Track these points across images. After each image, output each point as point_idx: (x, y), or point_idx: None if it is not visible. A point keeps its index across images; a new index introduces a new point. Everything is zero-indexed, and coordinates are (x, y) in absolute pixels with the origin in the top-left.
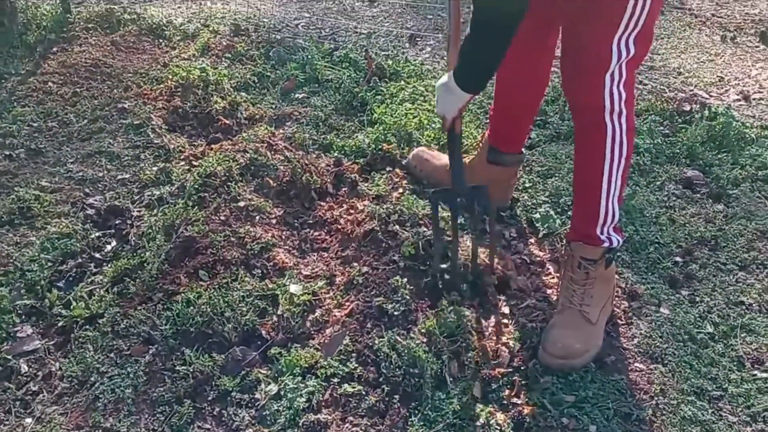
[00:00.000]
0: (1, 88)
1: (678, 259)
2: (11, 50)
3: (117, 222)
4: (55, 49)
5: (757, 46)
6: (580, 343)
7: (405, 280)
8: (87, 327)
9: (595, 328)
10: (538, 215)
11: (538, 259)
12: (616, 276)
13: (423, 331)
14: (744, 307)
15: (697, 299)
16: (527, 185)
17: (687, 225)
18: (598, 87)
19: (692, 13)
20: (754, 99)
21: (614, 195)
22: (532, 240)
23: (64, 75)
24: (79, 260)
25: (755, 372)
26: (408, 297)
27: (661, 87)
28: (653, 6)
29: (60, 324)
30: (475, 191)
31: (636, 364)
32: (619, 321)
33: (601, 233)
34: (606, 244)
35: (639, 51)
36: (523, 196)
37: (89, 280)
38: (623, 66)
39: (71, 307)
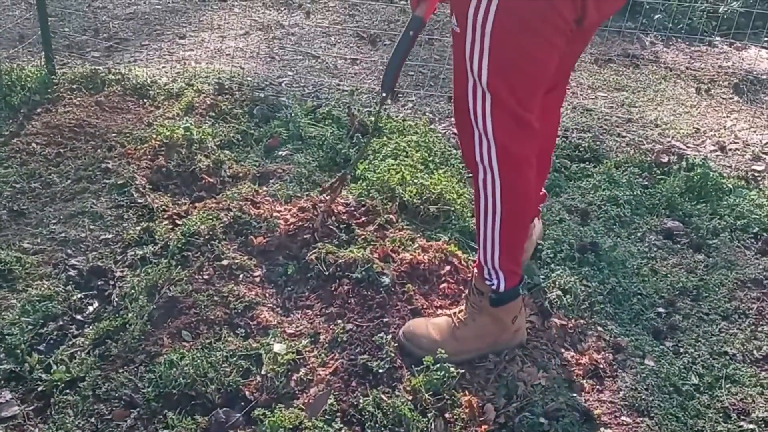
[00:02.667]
0: None
1: (661, 309)
2: None
3: (99, 283)
4: (39, 110)
5: (731, 98)
6: (430, 340)
7: (389, 336)
8: (67, 391)
9: (453, 341)
10: None
11: None
12: (600, 328)
13: (408, 388)
14: (728, 357)
15: (681, 350)
16: None
17: (669, 275)
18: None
19: (667, 66)
20: (729, 149)
21: (488, 238)
22: None
23: (48, 135)
24: (60, 322)
25: (741, 423)
26: (393, 354)
27: (639, 139)
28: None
29: (40, 388)
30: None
31: (622, 418)
32: (604, 374)
33: (485, 267)
34: (488, 282)
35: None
36: None
37: (70, 342)
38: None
39: (51, 371)
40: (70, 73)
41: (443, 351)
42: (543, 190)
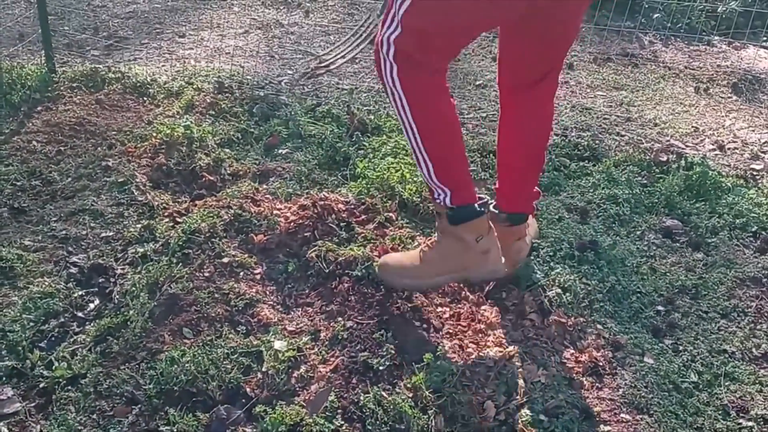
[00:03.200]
0: None
1: (660, 308)
2: None
3: (100, 280)
4: (39, 108)
5: (729, 97)
6: (400, 266)
7: (390, 334)
8: (69, 388)
9: (421, 265)
10: (520, 267)
11: (521, 310)
12: (599, 326)
13: (409, 386)
14: (727, 356)
15: (681, 348)
16: None
17: (668, 274)
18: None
19: (666, 65)
20: (728, 148)
21: (416, 153)
22: (515, 291)
23: (49, 134)
24: (62, 320)
25: (740, 420)
26: (393, 351)
27: (638, 138)
28: None
29: (42, 385)
30: None
31: (622, 415)
32: (603, 371)
33: (429, 185)
34: (436, 198)
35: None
36: None
37: (72, 339)
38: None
39: (53, 367)
40: (70, 72)
41: (412, 275)
42: (537, 187)
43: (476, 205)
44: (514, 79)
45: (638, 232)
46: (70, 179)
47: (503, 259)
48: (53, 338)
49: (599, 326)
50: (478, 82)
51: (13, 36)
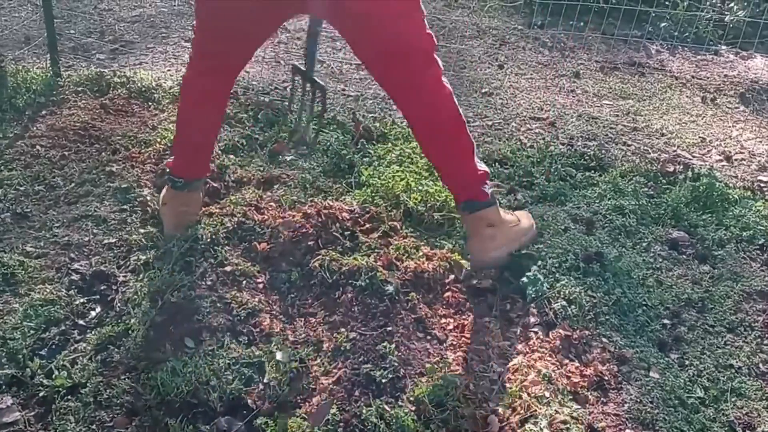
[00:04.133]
0: None
1: (666, 321)
2: (0, 114)
3: (102, 287)
4: (44, 112)
5: (736, 107)
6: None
7: (393, 345)
8: (69, 397)
9: None
10: (525, 279)
11: (525, 322)
12: (605, 339)
13: (412, 399)
14: (733, 371)
15: (687, 362)
16: None
17: (674, 287)
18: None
19: (673, 75)
20: (735, 159)
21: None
22: (519, 303)
23: (53, 138)
24: (63, 327)
25: None
26: (396, 363)
27: (645, 148)
28: None
29: (41, 394)
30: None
31: (627, 431)
32: (609, 386)
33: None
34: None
35: None
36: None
37: (72, 348)
38: None
39: (53, 376)
40: (76, 76)
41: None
42: (484, 168)
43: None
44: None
45: (644, 244)
46: (73, 184)
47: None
48: (54, 346)
49: (605, 339)
50: (484, 90)
51: (19, 39)
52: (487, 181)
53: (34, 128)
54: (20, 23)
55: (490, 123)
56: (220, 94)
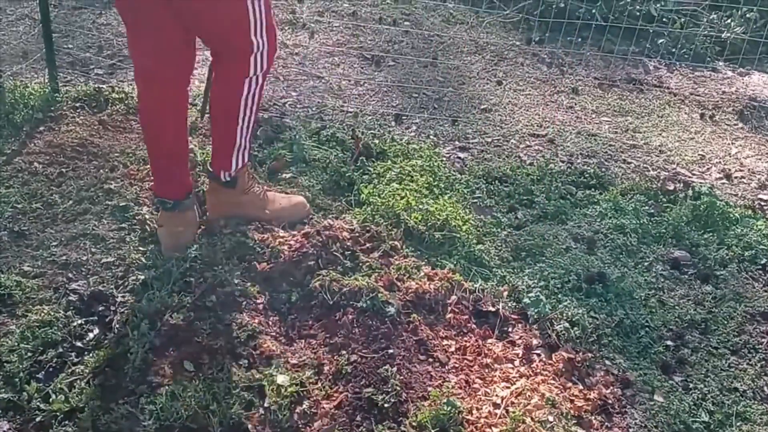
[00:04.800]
0: None
1: (669, 343)
2: None
3: (100, 308)
4: (41, 128)
5: (735, 125)
6: None
7: (395, 369)
8: (66, 422)
9: None
10: (528, 300)
11: (528, 343)
12: (608, 361)
13: (414, 423)
14: (738, 394)
15: (691, 386)
16: (516, 266)
17: (677, 307)
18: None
19: (671, 91)
20: (735, 177)
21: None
22: (522, 325)
23: (51, 155)
24: (60, 350)
25: None
26: (398, 387)
27: (644, 166)
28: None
29: (38, 419)
30: None
31: None
32: (612, 410)
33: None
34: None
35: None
36: (511, 280)
37: (70, 371)
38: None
39: (50, 400)
40: (74, 91)
41: None
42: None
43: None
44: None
45: (646, 263)
46: (71, 202)
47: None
48: (51, 369)
49: (608, 362)
50: (482, 106)
51: (17, 54)
52: (237, 168)
53: (32, 144)
54: (18, 37)
55: (489, 140)
56: (171, 103)
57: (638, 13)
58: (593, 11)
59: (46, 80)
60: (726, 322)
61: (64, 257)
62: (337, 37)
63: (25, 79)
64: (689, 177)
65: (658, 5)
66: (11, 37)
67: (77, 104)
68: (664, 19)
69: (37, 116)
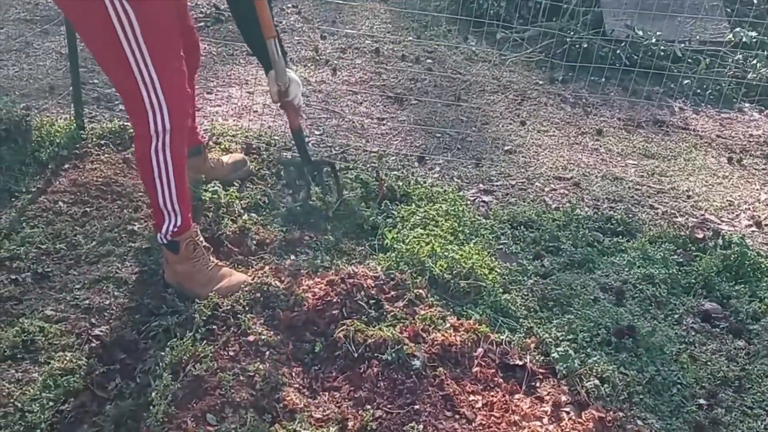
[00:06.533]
0: (11, 207)
1: (702, 401)
2: (23, 167)
3: (122, 356)
4: (66, 165)
5: (763, 168)
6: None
7: (421, 426)
8: None
9: None
10: (556, 354)
11: (557, 400)
12: (639, 421)
13: None
14: None
15: None
16: (543, 317)
17: (709, 363)
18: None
19: (697, 134)
20: (766, 225)
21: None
22: (550, 380)
23: (75, 194)
24: (82, 399)
25: None
26: None
27: (672, 211)
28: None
29: None
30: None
31: None
32: None
33: None
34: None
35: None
36: (538, 332)
37: (91, 420)
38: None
39: None
40: (99, 128)
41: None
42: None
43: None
44: None
45: (676, 316)
46: (94, 243)
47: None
48: (72, 420)
49: (639, 422)
50: (506, 147)
51: (44, 88)
52: (169, 232)
53: (57, 183)
54: (45, 72)
55: (513, 182)
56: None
57: (663, 54)
58: (618, 51)
59: (72, 117)
60: (761, 380)
61: (87, 301)
62: (359, 74)
63: (51, 115)
64: (718, 224)
65: (682, 45)
66: (38, 71)
67: (102, 141)
68: (689, 60)
69: (63, 153)
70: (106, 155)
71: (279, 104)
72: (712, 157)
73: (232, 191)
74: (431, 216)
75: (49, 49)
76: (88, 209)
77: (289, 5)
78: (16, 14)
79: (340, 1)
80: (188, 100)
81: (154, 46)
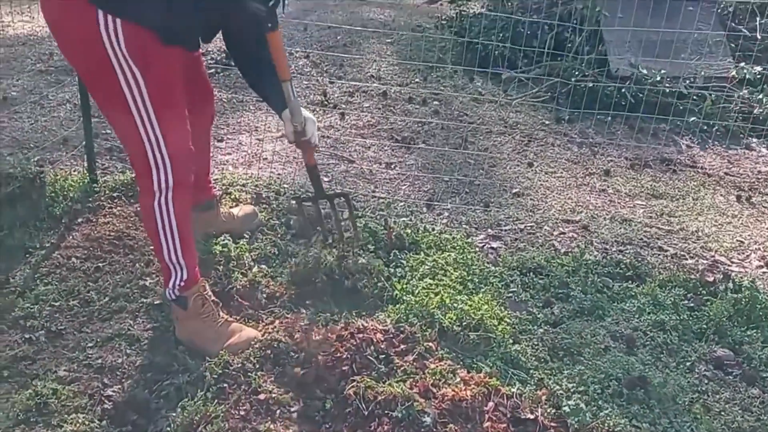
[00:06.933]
0: (25, 263)
1: None
2: (37, 223)
3: (134, 417)
4: (80, 220)
5: None
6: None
7: None
8: None
9: None
10: (567, 408)
11: None
12: None
13: None
14: None
15: None
16: (553, 368)
17: (722, 413)
18: None
19: (705, 172)
20: None
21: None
22: None
23: (88, 249)
24: None
25: None
26: None
27: (682, 253)
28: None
29: None
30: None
31: None
32: None
33: None
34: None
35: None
36: (549, 383)
37: None
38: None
39: None
40: (111, 181)
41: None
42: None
43: None
44: None
45: (688, 363)
46: (107, 299)
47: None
48: None
49: None
50: (514, 190)
51: (58, 140)
52: (176, 287)
53: (70, 238)
54: (59, 123)
55: (522, 226)
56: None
57: (668, 91)
58: (623, 90)
59: (85, 169)
60: None
61: (99, 360)
62: (367, 117)
63: (65, 168)
64: (728, 265)
65: (687, 82)
66: (53, 123)
67: (114, 194)
68: (694, 97)
69: (76, 207)
70: (119, 208)
71: (295, 144)
72: (721, 195)
73: (242, 244)
74: (440, 265)
75: (63, 100)
76: (100, 264)
77: (298, 50)
78: (31, 65)
79: (346, 54)
80: (191, 157)
81: (160, 108)
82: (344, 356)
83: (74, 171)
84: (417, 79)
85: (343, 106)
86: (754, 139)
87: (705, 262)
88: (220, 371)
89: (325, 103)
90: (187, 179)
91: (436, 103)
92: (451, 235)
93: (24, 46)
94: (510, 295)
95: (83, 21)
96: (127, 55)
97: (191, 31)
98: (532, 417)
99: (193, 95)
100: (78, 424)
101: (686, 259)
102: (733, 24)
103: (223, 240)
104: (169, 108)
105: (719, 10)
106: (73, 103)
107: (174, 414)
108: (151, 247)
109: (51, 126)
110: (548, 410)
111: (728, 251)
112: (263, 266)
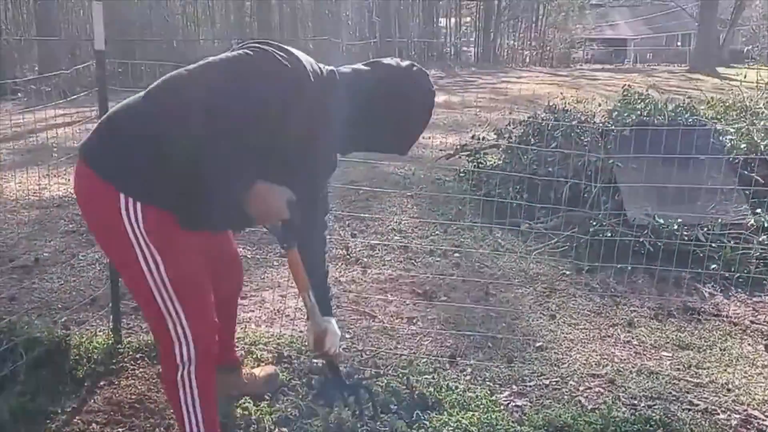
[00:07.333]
0: (46, 429)
1: None
2: (60, 387)
3: None
4: (102, 382)
5: None
6: None
7: None
8: None
9: None
10: None
11: None
12: None
13: None
14: None
15: None
16: None
17: None
18: None
19: (730, 320)
20: None
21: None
22: None
23: (109, 413)
24: None
25: None
26: None
27: (713, 407)
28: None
29: None
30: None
31: None
32: None
33: None
34: None
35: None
36: None
37: None
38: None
39: None
40: (135, 342)
41: None
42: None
43: None
44: None
45: None
46: None
47: None
48: None
49: None
50: (538, 344)
51: (86, 301)
52: None
53: (92, 401)
54: (87, 283)
55: (547, 382)
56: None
57: (686, 238)
58: (641, 239)
59: (110, 330)
60: None
61: None
62: (389, 271)
63: (91, 328)
64: (763, 420)
65: (704, 230)
66: (81, 282)
67: (138, 355)
68: (711, 244)
69: (99, 370)
70: (141, 369)
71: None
72: (749, 345)
73: (262, 406)
74: (464, 426)
75: (92, 260)
76: (120, 430)
77: None
78: (64, 226)
79: (368, 208)
80: (215, 330)
81: (180, 287)
82: None
83: (99, 331)
84: (437, 232)
85: (365, 260)
86: None
87: (738, 416)
88: None
89: (348, 257)
90: (211, 352)
91: (456, 255)
92: (474, 393)
93: (58, 208)
94: None
95: (106, 198)
96: (146, 235)
97: (210, 218)
98: None
99: (218, 263)
100: None
101: (718, 414)
102: (745, 172)
103: (244, 402)
104: (190, 286)
105: (730, 159)
106: (102, 262)
107: None
108: (172, 411)
109: (79, 286)
110: None
111: (761, 404)
112: (284, 429)
